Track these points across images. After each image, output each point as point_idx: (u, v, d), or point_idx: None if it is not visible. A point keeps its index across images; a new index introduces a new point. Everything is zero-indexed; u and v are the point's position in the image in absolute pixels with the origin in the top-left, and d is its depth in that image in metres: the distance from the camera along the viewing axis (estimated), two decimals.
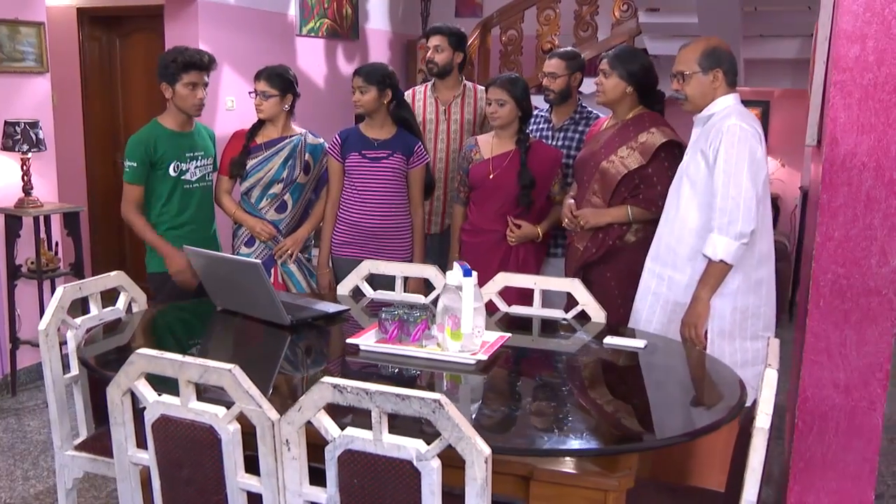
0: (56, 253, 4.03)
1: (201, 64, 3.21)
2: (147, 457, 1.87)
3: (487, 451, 1.53)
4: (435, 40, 3.64)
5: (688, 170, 2.60)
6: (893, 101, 2.51)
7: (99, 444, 2.43)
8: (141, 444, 1.90)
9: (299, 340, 2.45)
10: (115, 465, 1.93)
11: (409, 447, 1.59)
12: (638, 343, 2.29)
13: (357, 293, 2.91)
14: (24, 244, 3.95)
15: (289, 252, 3.37)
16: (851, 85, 2.54)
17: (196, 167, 3.30)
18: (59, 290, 2.41)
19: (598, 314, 2.56)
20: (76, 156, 5.63)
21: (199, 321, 2.79)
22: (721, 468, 2.61)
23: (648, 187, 2.94)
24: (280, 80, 3.29)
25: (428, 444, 1.56)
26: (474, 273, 2.13)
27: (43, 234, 3.94)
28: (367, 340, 2.27)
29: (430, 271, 2.80)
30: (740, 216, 2.39)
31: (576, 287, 2.59)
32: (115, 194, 5.80)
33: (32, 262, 3.92)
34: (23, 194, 3.85)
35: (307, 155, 3.38)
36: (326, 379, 1.62)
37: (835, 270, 2.65)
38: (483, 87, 3.87)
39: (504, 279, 2.69)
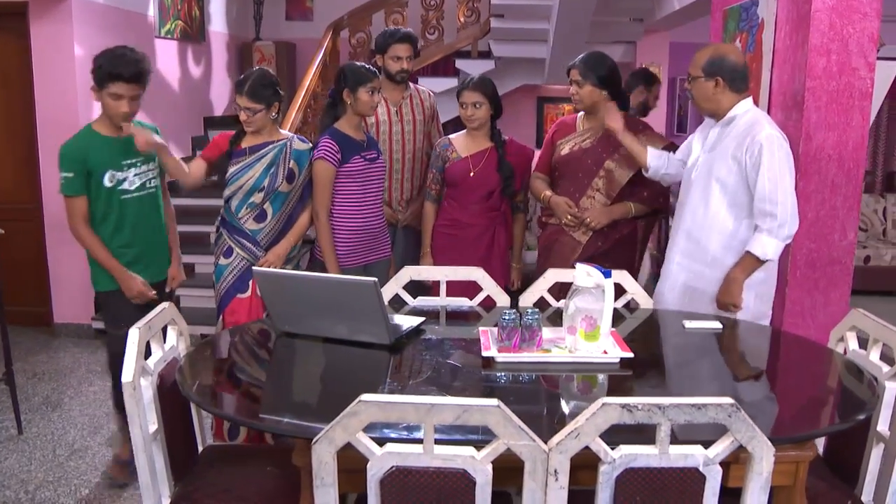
0: None
1: (123, 76, 2.62)
2: None
3: (772, 447, 1.49)
4: (405, 50, 3.39)
5: (717, 173, 2.54)
6: (850, 104, 2.79)
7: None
8: None
9: (407, 359, 2.13)
10: None
11: (696, 455, 1.49)
12: (715, 325, 2.33)
13: (394, 301, 2.65)
14: None
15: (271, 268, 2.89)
16: (820, 91, 2.78)
17: (135, 175, 2.76)
18: (134, 333, 1.89)
19: (647, 301, 2.57)
20: None
21: (281, 348, 2.26)
22: None
23: (648, 185, 2.99)
24: (263, 93, 2.83)
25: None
26: (613, 273, 2.03)
27: None
28: (492, 351, 2.08)
29: (477, 274, 2.61)
30: (789, 220, 2.43)
31: (625, 278, 2.57)
32: None
33: None
34: None
35: (291, 161, 2.92)
36: (609, 399, 1.45)
37: (808, 246, 2.90)
38: (425, 88, 3.70)
39: (554, 275, 2.60)
